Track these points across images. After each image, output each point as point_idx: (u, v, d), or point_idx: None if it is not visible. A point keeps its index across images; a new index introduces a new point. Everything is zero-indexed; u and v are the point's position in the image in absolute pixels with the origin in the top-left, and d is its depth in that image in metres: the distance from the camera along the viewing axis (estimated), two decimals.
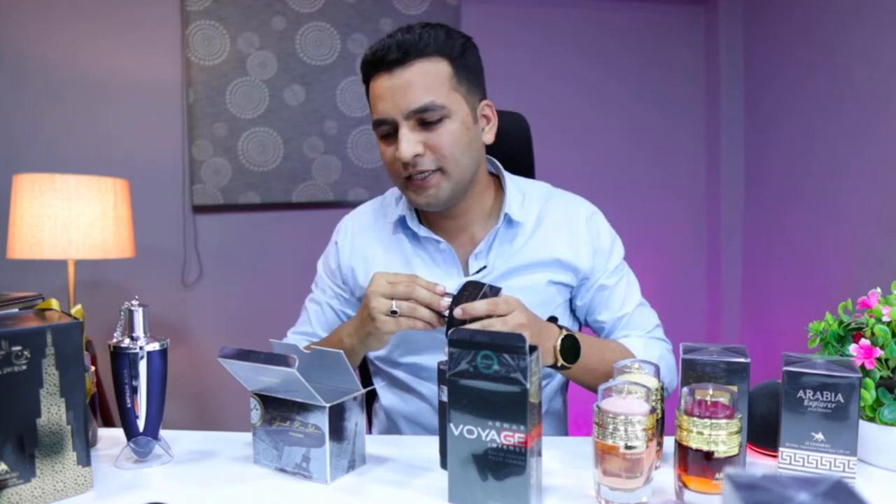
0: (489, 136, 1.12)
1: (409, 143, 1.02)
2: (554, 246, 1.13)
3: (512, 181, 1.18)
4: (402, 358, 1.17)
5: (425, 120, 1.02)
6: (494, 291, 0.92)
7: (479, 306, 0.89)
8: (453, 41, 1.04)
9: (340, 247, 1.22)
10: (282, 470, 0.85)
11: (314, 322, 1.23)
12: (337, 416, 0.83)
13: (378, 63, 1.02)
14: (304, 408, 0.83)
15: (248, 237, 2.45)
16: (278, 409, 0.85)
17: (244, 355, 0.83)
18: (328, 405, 0.81)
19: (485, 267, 1.12)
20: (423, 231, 1.13)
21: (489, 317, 0.89)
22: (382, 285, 0.94)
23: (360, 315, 1.00)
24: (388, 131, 1.05)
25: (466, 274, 1.13)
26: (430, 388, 1.15)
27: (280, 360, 0.80)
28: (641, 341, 1.15)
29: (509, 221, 1.13)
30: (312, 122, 2.41)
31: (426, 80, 1.01)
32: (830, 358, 0.81)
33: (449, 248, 1.13)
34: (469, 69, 1.07)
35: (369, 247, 1.19)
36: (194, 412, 2.43)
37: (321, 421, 0.81)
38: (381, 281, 0.95)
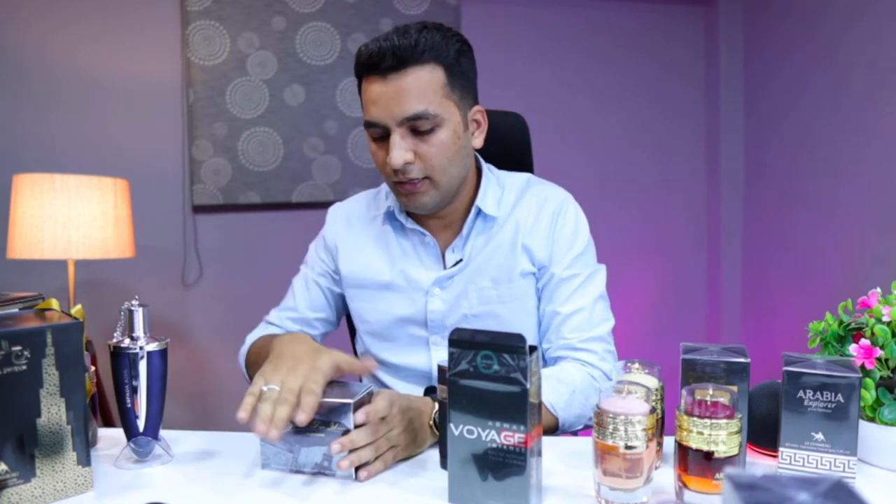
0: (478, 142, 1.12)
1: (400, 150, 1.01)
2: (521, 235, 1.14)
3: (492, 174, 1.18)
4: (381, 356, 1.19)
5: (417, 128, 1.01)
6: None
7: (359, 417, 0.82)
8: (449, 47, 1.02)
9: (330, 226, 1.24)
10: (298, 471, 0.84)
11: (299, 298, 1.24)
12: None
13: (372, 67, 1.01)
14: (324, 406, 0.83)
15: (248, 237, 2.45)
16: None
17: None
18: (353, 401, 0.81)
19: (461, 260, 1.14)
20: (409, 223, 1.15)
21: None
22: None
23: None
24: (379, 134, 1.04)
25: (444, 267, 1.14)
26: (408, 389, 1.16)
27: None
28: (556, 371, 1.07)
29: (484, 215, 1.14)
30: (312, 122, 2.41)
31: (420, 88, 1.00)
32: (830, 358, 0.81)
33: (433, 242, 1.15)
34: (463, 75, 1.05)
35: (356, 235, 1.21)
36: (194, 412, 2.43)
37: (346, 418, 0.82)
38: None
